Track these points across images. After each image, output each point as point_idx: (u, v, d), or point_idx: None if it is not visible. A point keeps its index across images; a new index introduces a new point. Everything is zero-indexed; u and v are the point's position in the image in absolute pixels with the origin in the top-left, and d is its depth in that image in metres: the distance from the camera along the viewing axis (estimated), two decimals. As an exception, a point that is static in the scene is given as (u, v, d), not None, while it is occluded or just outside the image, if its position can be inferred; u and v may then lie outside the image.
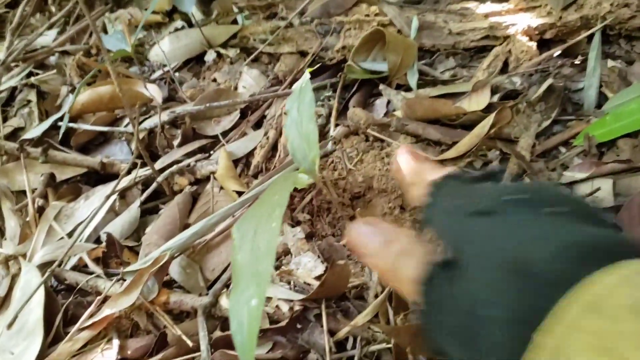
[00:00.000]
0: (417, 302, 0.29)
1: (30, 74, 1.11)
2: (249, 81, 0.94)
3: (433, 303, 0.28)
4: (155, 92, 0.91)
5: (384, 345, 0.53)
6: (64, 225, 0.78)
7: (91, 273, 0.70)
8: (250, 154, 0.82)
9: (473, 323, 0.25)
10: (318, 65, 0.88)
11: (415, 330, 0.49)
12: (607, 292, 0.22)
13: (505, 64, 0.78)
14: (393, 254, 0.31)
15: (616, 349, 0.20)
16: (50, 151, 0.86)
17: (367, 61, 0.83)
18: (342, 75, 0.84)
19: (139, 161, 0.80)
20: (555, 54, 0.76)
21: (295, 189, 0.69)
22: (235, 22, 1.01)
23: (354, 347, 0.55)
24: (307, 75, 0.40)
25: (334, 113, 0.80)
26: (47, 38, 1.17)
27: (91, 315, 0.64)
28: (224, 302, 0.61)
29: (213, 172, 0.78)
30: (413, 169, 0.37)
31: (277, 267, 0.64)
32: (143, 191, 0.79)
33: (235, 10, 1.01)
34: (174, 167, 0.79)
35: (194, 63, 1.03)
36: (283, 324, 0.56)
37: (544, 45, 0.78)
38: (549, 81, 0.70)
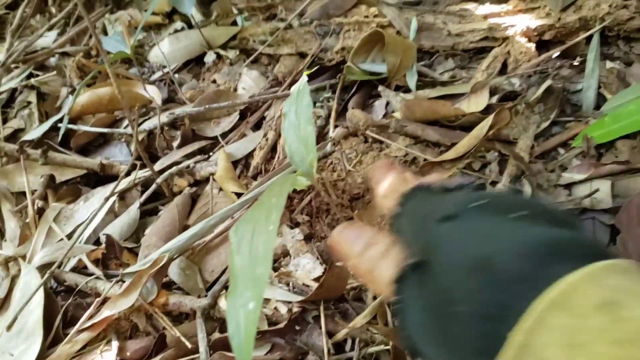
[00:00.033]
0: (393, 303, 0.30)
1: (30, 76, 1.11)
2: (249, 82, 0.94)
3: (406, 302, 0.29)
4: (154, 94, 0.91)
5: (382, 346, 0.53)
6: (63, 226, 0.79)
7: (91, 274, 0.70)
8: (250, 155, 0.82)
9: (443, 320, 0.26)
10: (317, 67, 0.88)
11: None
12: (572, 289, 0.22)
13: (504, 65, 0.78)
14: (372, 257, 0.33)
15: (584, 344, 0.20)
16: (50, 153, 0.86)
17: (366, 62, 0.83)
18: (341, 77, 0.84)
19: (138, 162, 0.80)
20: (554, 55, 0.76)
21: (294, 190, 0.70)
22: (234, 23, 1.01)
23: (352, 348, 0.55)
24: (304, 78, 0.40)
25: (333, 114, 0.80)
26: (47, 39, 1.17)
27: (90, 317, 0.64)
28: (222, 303, 0.61)
29: (212, 174, 0.78)
30: (388, 182, 0.38)
31: (275, 269, 0.64)
32: (142, 192, 0.79)
33: (235, 11, 1.02)
34: (174, 169, 0.79)
35: (194, 64, 1.04)
36: (281, 325, 0.57)
37: (542, 46, 0.78)
38: (548, 82, 0.70)
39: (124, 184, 0.79)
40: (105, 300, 0.64)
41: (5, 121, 1.03)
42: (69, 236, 0.77)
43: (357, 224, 0.37)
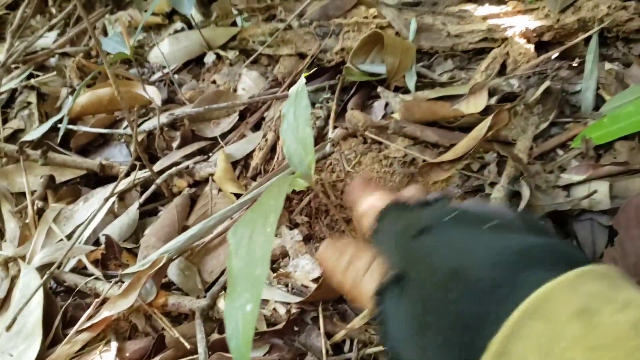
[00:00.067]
0: (375, 315, 0.31)
1: (30, 76, 1.11)
2: (248, 83, 0.94)
3: (387, 315, 0.30)
4: (154, 94, 0.91)
5: (380, 347, 0.54)
6: (63, 227, 0.79)
7: (90, 275, 0.70)
8: (249, 156, 0.82)
9: (423, 332, 0.26)
10: (316, 68, 0.88)
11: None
12: (548, 297, 0.22)
13: (503, 66, 0.78)
14: (356, 272, 0.33)
15: (561, 352, 0.20)
16: (49, 153, 0.86)
17: (366, 63, 0.83)
18: (341, 78, 0.84)
19: (138, 163, 0.80)
20: (553, 57, 0.76)
21: (293, 191, 0.70)
22: (234, 24, 1.01)
23: (350, 349, 0.55)
24: (303, 80, 0.41)
25: (332, 115, 0.80)
26: (47, 40, 1.17)
27: (90, 317, 0.64)
28: (221, 304, 0.61)
29: (212, 174, 0.78)
30: (365, 200, 0.39)
31: (274, 270, 0.64)
32: (142, 193, 0.80)
33: (235, 12, 1.02)
34: (173, 169, 0.79)
35: (194, 65, 1.04)
36: (280, 326, 0.57)
37: (541, 47, 0.78)
38: (547, 83, 0.70)
39: (123, 184, 0.79)
40: (104, 301, 0.64)
41: (5, 122, 1.03)
42: (69, 237, 0.77)
43: (342, 240, 0.37)
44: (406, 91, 0.80)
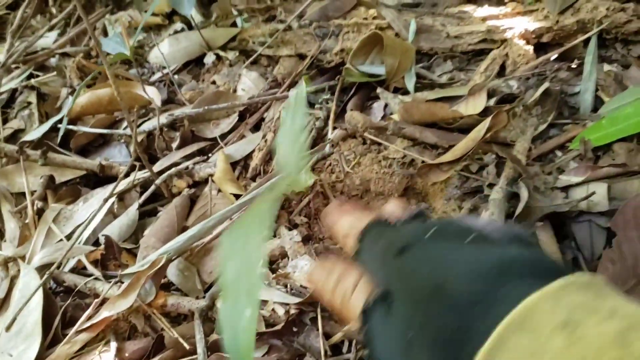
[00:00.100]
0: (362, 334, 0.31)
1: (30, 76, 1.11)
2: (248, 84, 0.94)
3: (373, 333, 0.30)
4: (154, 95, 0.91)
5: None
6: (62, 227, 0.79)
7: (89, 275, 0.70)
8: (249, 156, 0.82)
9: (409, 349, 0.26)
10: (316, 69, 0.88)
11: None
12: (532, 310, 0.22)
13: (503, 67, 0.78)
14: (344, 291, 0.34)
15: None
16: (49, 153, 0.86)
17: (365, 64, 0.83)
18: (340, 78, 0.84)
19: (137, 164, 0.80)
20: (552, 58, 0.76)
21: (292, 192, 0.70)
22: (234, 24, 1.02)
23: (349, 350, 0.56)
24: (303, 85, 0.41)
25: (331, 116, 0.80)
26: (48, 40, 1.17)
27: (89, 318, 0.64)
28: (219, 304, 0.61)
29: (211, 175, 0.78)
30: (344, 221, 0.39)
31: (273, 270, 0.64)
32: (141, 194, 0.80)
33: (235, 13, 1.02)
34: (173, 170, 0.79)
35: (193, 65, 1.04)
36: (279, 327, 0.57)
37: (540, 48, 0.78)
38: (546, 85, 0.70)
39: (123, 185, 0.79)
40: (104, 301, 0.65)
41: (5, 122, 1.03)
42: (68, 237, 0.77)
43: (329, 260, 0.37)
44: (405, 92, 0.80)
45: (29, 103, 1.05)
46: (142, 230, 0.76)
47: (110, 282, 0.67)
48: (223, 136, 0.87)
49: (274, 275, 0.63)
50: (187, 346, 0.58)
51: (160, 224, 0.73)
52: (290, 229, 0.68)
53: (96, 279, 0.69)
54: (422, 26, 0.84)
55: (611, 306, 0.21)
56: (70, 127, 0.93)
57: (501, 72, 0.78)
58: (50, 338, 0.64)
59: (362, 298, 0.31)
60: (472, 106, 0.71)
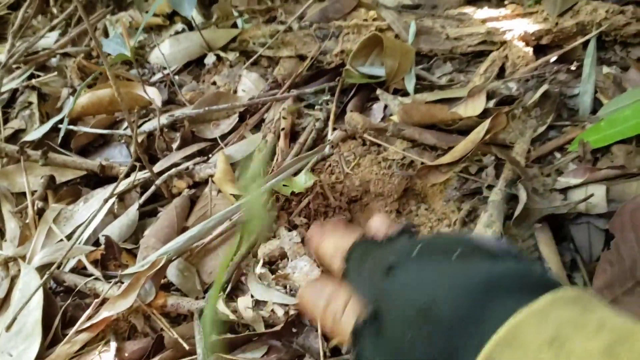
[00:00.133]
0: (352, 354, 0.31)
1: (31, 76, 1.11)
2: (248, 84, 0.94)
3: (363, 354, 0.30)
4: (154, 95, 0.92)
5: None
6: (63, 227, 0.79)
7: (90, 275, 0.70)
8: (249, 157, 0.82)
9: None
10: (316, 70, 0.89)
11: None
12: (518, 326, 0.22)
13: (502, 69, 0.79)
14: (334, 311, 0.33)
15: None
16: (50, 153, 0.86)
17: (365, 66, 0.84)
18: (340, 80, 0.85)
19: (137, 164, 0.80)
20: (551, 60, 0.76)
21: (292, 193, 0.70)
22: (235, 25, 1.02)
23: (348, 351, 0.56)
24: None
25: (331, 117, 0.81)
26: (49, 40, 1.18)
27: (89, 318, 0.64)
28: (220, 305, 0.62)
29: (211, 175, 0.78)
30: (329, 242, 0.38)
31: (273, 271, 0.65)
32: (142, 194, 0.80)
33: (235, 14, 1.02)
34: (173, 170, 0.79)
35: (194, 66, 1.04)
36: (278, 328, 0.57)
37: (540, 50, 0.79)
38: (545, 87, 0.70)
39: (123, 185, 0.79)
40: (104, 301, 0.65)
41: (6, 122, 1.04)
42: (69, 237, 0.77)
43: (320, 280, 0.37)
44: (405, 94, 0.81)
45: (30, 103, 1.05)
46: (142, 231, 0.76)
47: (110, 282, 0.67)
48: (223, 137, 0.87)
49: (274, 276, 0.63)
50: (186, 346, 0.59)
51: (160, 225, 0.74)
52: (289, 230, 0.68)
53: (96, 279, 0.69)
54: (422, 28, 0.84)
55: (599, 320, 0.22)
56: (71, 127, 0.93)
57: (501, 74, 0.78)
58: (50, 338, 0.65)
59: (353, 318, 0.31)
60: (471, 108, 0.72)
